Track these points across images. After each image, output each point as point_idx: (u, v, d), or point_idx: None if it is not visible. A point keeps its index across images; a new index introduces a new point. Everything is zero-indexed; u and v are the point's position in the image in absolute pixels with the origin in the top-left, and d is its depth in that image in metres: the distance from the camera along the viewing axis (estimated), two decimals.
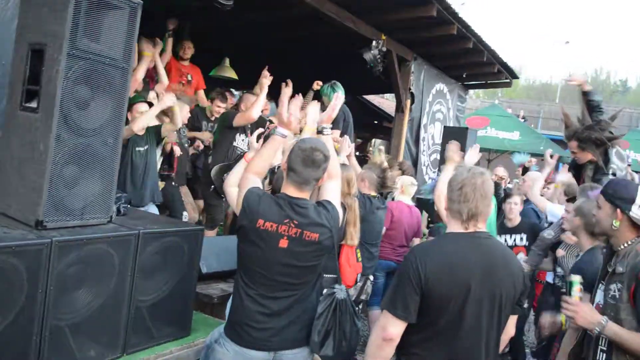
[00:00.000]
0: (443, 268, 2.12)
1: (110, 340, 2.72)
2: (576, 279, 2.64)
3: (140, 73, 5.03)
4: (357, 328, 2.63)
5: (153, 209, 4.72)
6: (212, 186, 5.17)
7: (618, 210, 2.45)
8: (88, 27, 2.54)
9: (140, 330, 2.86)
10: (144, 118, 4.42)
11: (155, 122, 4.85)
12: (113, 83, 2.71)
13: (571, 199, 4.21)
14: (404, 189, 5.33)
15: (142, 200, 4.57)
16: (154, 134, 4.73)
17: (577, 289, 2.61)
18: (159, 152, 5.11)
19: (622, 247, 2.46)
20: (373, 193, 4.37)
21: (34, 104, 2.57)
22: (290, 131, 2.70)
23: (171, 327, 3.06)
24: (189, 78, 6.53)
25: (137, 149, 4.52)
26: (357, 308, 2.91)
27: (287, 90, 3.10)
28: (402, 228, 5.11)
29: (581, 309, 2.45)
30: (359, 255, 3.65)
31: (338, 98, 2.94)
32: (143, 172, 4.59)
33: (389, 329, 2.15)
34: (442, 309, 2.11)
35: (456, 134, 7.21)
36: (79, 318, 2.54)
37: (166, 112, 4.79)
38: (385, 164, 4.87)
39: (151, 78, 5.71)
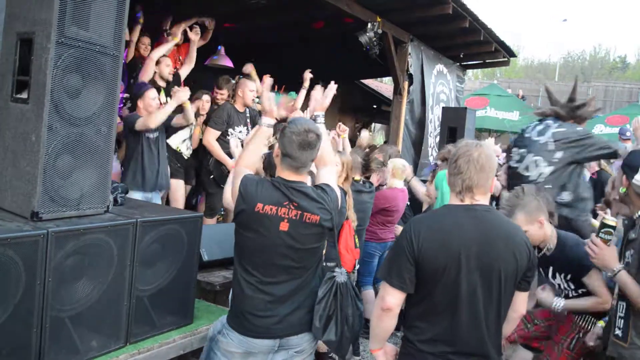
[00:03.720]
0: (435, 238, 2.10)
1: (112, 331, 2.71)
2: (610, 221, 2.57)
3: (156, 53, 4.96)
4: (360, 311, 2.59)
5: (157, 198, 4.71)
6: (212, 175, 5.31)
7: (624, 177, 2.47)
8: (76, 15, 2.51)
9: (143, 320, 2.85)
10: (160, 114, 4.28)
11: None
12: (104, 70, 2.67)
13: None
14: (395, 173, 4.88)
15: (155, 187, 4.55)
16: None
17: (606, 231, 2.55)
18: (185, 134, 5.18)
19: (637, 215, 2.48)
20: (357, 177, 4.30)
21: (24, 95, 2.53)
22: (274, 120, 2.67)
23: (174, 316, 3.05)
24: (181, 59, 6.53)
25: (147, 136, 4.43)
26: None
27: (268, 81, 3.02)
28: (399, 214, 4.95)
29: (602, 251, 2.50)
30: (357, 241, 3.59)
31: (332, 89, 2.85)
32: (157, 159, 4.53)
33: (386, 299, 2.16)
34: (436, 280, 2.09)
35: (455, 115, 7.16)
36: (79, 309, 2.52)
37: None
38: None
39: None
